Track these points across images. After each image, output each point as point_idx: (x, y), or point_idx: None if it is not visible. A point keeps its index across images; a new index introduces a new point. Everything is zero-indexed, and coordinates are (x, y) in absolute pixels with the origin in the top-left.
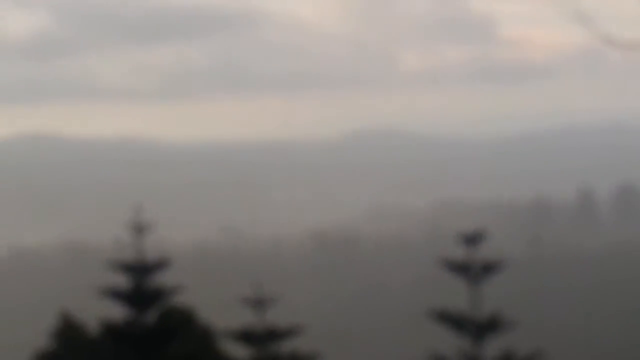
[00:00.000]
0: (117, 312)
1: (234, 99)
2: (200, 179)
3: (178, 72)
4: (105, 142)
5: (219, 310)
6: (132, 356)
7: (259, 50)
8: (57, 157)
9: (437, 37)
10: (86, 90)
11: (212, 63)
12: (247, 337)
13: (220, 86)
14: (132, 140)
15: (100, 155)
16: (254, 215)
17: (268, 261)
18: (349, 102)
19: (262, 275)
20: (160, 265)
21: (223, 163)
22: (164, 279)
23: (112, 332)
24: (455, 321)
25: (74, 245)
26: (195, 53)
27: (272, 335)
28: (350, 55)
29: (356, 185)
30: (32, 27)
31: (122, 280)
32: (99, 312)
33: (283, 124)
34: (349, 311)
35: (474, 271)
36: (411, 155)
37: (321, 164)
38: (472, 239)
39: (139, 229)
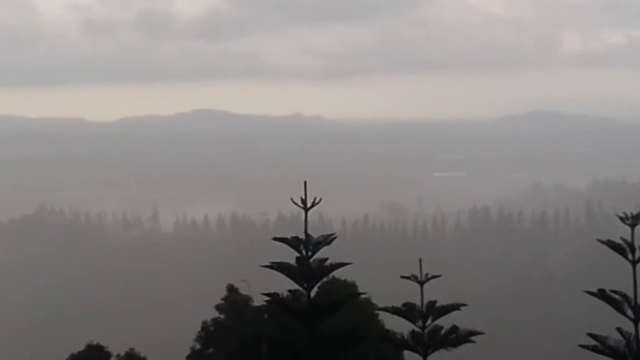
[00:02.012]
0: (280, 284)
1: (396, 78)
2: (363, 155)
3: (342, 52)
4: (273, 118)
5: (381, 285)
6: (296, 328)
7: (421, 30)
8: (226, 132)
9: (600, 21)
10: (254, 69)
11: (376, 43)
12: (408, 312)
13: (383, 66)
14: (298, 117)
15: (268, 130)
16: (416, 192)
17: (429, 237)
18: (507, 83)
19: (423, 251)
20: (325, 240)
21: (385, 140)
22: (328, 253)
23: (278, 304)
24: (614, 301)
25: (239, 219)
26: (359, 33)
27: (432, 311)
28: (511, 37)
29: (514, 165)
30: (203, 7)
31: (286, 254)
32: (263, 285)
33: (443, 104)
34: (507, 288)
35: (635, 252)
36: (569, 136)
37: (480, 144)
38: (635, 219)
39: (306, 204)
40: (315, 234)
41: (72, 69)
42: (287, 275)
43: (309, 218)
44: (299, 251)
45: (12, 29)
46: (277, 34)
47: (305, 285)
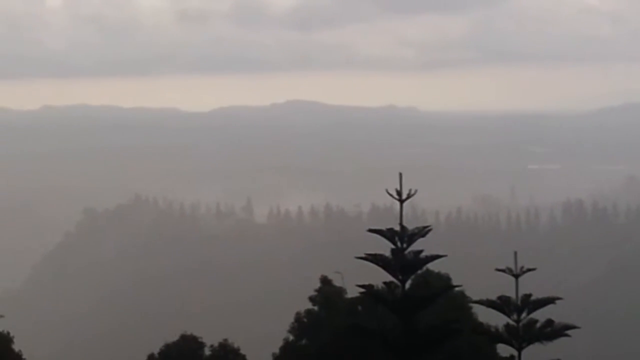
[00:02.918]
0: (373, 276)
1: (490, 69)
2: (456, 147)
3: (436, 43)
4: (366, 110)
5: (474, 277)
6: (390, 320)
7: (516, 22)
8: (320, 123)
9: None
10: (348, 60)
11: (469, 34)
12: (503, 305)
13: (477, 57)
14: (391, 108)
15: (361, 121)
16: (510, 185)
17: (523, 230)
18: (602, 75)
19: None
20: (420, 232)
21: (478, 132)
22: (422, 246)
23: (373, 296)
24: None
25: (332, 211)
26: (453, 24)
27: (527, 304)
28: (607, 29)
29: (608, 157)
30: None
31: (379, 246)
32: (356, 276)
33: (537, 95)
34: (602, 281)
35: None
36: None
37: (574, 136)
38: None
39: (401, 196)
40: (408, 226)
41: (166, 59)
42: (382, 267)
43: (404, 211)
44: (394, 243)
45: (108, 19)
46: (371, 25)
47: (400, 277)
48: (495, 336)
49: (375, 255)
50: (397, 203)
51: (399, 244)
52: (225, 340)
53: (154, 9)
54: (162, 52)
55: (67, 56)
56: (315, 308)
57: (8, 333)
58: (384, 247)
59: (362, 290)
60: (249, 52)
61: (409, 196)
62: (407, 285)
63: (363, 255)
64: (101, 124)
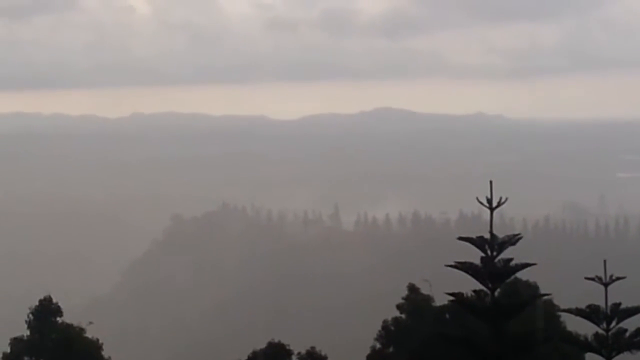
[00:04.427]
0: (461, 284)
1: (581, 77)
2: (544, 155)
3: (526, 51)
4: (455, 117)
5: (562, 286)
6: (479, 328)
7: (607, 29)
8: (408, 130)
9: None
10: (436, 67)
11: (560, 42)
12: (592, 314)
13: (567, 65)
14: (480, 116)
15: (449, 129)
16: (599, 193)
17: (612, 238)
18: None
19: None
20: (510, 240)
21: (567, 140)
22: (510, 254)
23: (462, 304)
24: None
25: (420, 218)
26: (543, 32)
27: (617, 313)
28: None
29: None
30: (385, 5)
31: (468, 254)
32: (443, 284)
33: (628, 103)
34: None
35: None
36: None
37: None
38: None
39: (491, 204)
40: (497, 233)
41: (255, 66)
42: (472, 275)
43: (492, 220)
44: (484, 251)
45: (197, 27)
46: (460, 32)
47: (490, 285)
48: (584, 345)
49: (465, 263)
50: (485, 210)
51: (489, 252)
52: (313, 348)
53: (243, 17)
54: (251, 60)
55: (156, 64)
56: (403, 316)
57: (97, 340)
58: (471, 255)
59: (451, 298)
60: (338, 60)
61: (499, 204)
62: (496, 293)
63: (453, 264)
64: (190, 131)
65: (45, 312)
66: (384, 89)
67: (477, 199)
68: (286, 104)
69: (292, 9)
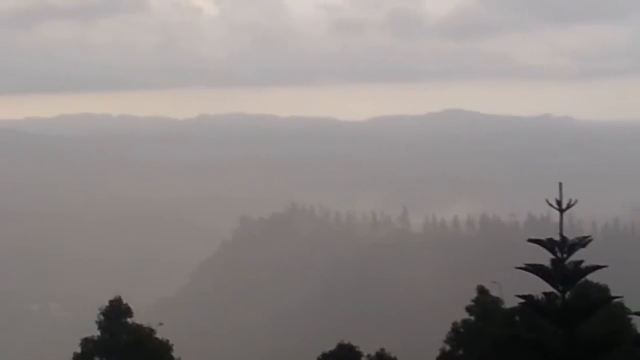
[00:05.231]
0: (530, 286)
1: None
2: (612, 157)
3: (593, 53)
4: (522, 119)
5: (633, 288)
6: (548, 330)
7: None
8: (476, 132)
9: None
10: (504, 69)
11: (628, 43)
12: None
13: (635, 65)
14: (547, 117)
15: (517, 131)
16: None
17: None
18: None
19: None
20: (581, 242)
21: (636, 141)
22: (579, 256)
23: (533, 306)
24: None
25: (489, 221)
26: (611, 33)
27: None
28: None
29: None
30: (452, 6)
31: (537, 256)
32: (512, 286)
33: None
34: None
35: None
36: None
37: None
38: None
39: (561, 206)
40: (566, 235)
41: (321, 68)
42: (542, 278)
43: (562, 222)
44: (554, 253)
45: (264, 29)
46: (528, 34)
47: (561, 287)
48: None
49: (535, 265)
50: (554, 212)
51: (559, 254)
52: (382, 350)
53: (309, 19)
54: (318, 62)
55: (223, 65)
56: (472, 318)
57: (167, 341)
58: (541, 257)
59: (521, 300)
60: (405, 61)
61: (569, 206)
62: (567, 295)
63: (523, 266)
64: (257, 132)
65: (116, 312)
66: (452, 91)
67: (547, 201)
68: (353, 105)
69: (359, 11)
